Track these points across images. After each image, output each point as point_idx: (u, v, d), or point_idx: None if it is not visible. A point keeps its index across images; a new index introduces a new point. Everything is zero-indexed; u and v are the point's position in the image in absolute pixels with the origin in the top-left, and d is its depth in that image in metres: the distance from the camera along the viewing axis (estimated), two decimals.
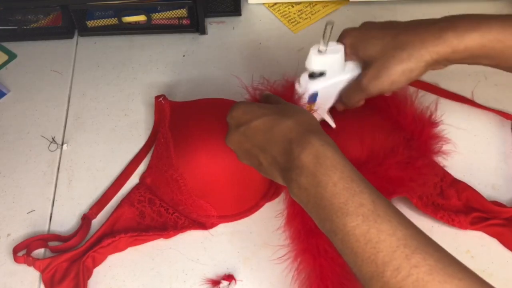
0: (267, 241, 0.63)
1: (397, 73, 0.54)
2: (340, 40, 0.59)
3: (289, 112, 0.51)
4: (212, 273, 0.61)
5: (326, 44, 0.56)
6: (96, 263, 0.61)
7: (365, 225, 0.43)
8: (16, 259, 0.60)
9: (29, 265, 0.60)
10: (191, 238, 0.63)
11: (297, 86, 0.60)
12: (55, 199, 0.67)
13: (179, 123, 0.66)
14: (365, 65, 0.57)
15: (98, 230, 0.62)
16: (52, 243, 0.63)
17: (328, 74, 0.59)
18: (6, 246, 0.63)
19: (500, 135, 0.70)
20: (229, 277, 0.60)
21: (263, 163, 0.51)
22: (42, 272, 0.60)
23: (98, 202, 0.65)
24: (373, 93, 0.57)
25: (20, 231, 0.64)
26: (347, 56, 0.58)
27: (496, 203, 0.63)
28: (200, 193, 0.62)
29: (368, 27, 0.58)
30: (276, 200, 0.65)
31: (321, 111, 0.62)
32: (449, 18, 0.54)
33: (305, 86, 0.59)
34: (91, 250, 0.60)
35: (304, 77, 0.59)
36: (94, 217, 0.65)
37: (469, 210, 0.63)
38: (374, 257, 0.42)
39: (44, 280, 0.60)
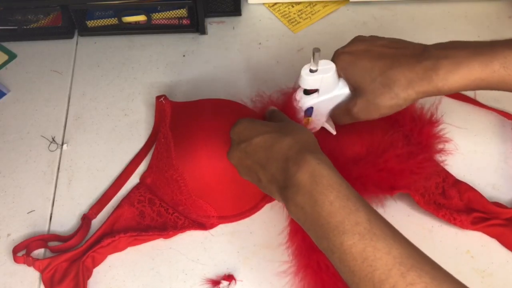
0: (267, 242, 0.63)
1: (386, 108, 0.57)
2: (332, 60, 0.59)
3: (289, 130, 0.52)
4: (212, 273, 0.61)
5: (317, 66, 0.57)
6: (96, 263, 0.61)
7: (362, 244, 0.43)
8: (16, 259, 0.60)
9: (28, 265, 0.60)
10: (191, 238, 0.63)
11: (294, 101, 0.61)
12: (55, 199, 0.67)
13: (180, 123, 0.66)
14: (354, 90, 0.58)
15: (97, 230, 0.62)
16: (51, 243, 0.63)
17: (321, 90, 0.60)
18: (6, 246, 0.63)
19: (501, 135, 0.70)
20: (229, 277, 0.60)
21: (262, 180, 0.52)
22: (41, 272, 0.60)
23: (98, 202, 0.65)
24: (362, 120, 0.59)
25: (20, 231, 0.64)
26: (339, 75, 0.60)
27: (497, 204, 0.63)
28: (200, 193, 0.62)
29: (358, 51, 0.58)
30: (276, 201, 0.65)
31: (320, 122, 0.63)
32: (433, 54, 0.55)
33: (301, 102, 0.61)
34: (90, 250, 0.60)
35: (299, 93, 0.61)
36: (94, 217, 0.65)
37: (470, 211, 0.63)
38: (370, 275, 0.42)
39: (44, 280, 0.60)
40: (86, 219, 0.64)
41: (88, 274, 0.60)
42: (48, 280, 0.59)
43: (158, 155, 0.66)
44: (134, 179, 0.68)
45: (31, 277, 0.61)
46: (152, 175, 0.66)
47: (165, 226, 0.63)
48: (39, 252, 0.62)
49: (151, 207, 0.64)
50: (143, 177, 0.67)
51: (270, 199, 0.65)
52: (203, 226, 0.63)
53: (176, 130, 0.65)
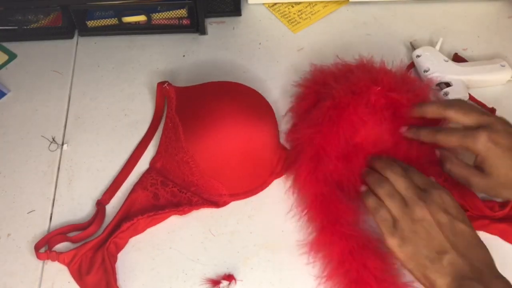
0: (267, 242, 0.63)
1: (505, 197, 0.60)
2: (478, 141, 0.59)
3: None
4: (212, 273, 0.61)
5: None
6: (119, 248, 0.62)
7: None
8: (39, 256, 0.60)
9: (53, 260, 0.60)
10: (191, 238, 0.63)
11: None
12: (55, 199, 0.67)
13: (186, 106, 0.67)
14: (483, 170, 0.59)
15: (115, 216, 0.63)
16: (71, 234, 0.63)
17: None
18: (6, 246, 0.63)
19: None
20: (229, 277, 0.60)
21: (446, 259, 0.53)
22: (67, 265, 0.60)
23: (110, 187, 0.66)
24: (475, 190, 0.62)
25: (20, 231, 0.64)
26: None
27: (490, 204, 0.63)
28: (211, 173, 0.63)
29: (502, 144, 0.58)
30: (277, 199, 0.66)
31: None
32: None
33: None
34: (112, 237, 0.61)
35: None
36: (107, 203, 0.65)
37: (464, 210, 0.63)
38: None
39: (72, 272, 0.60)
40: (100, 205, 0.65)
41: (114, 259, 0.61)
42: (76, 272, 0.60)
43: (166, 140, 0.67)
44: (143, 166, 0.68)
45: (31, 277, 0.61)
46: (162, 160, 0.67)
47: (180, 204, 0.64)
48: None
49: (164, 188, 0.65)
50: (152, 162, 0.68)
51: (277, 175, 0.67)
52: (216, 204, 0.64)
53: (183, 113, 0.66)
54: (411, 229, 0.54)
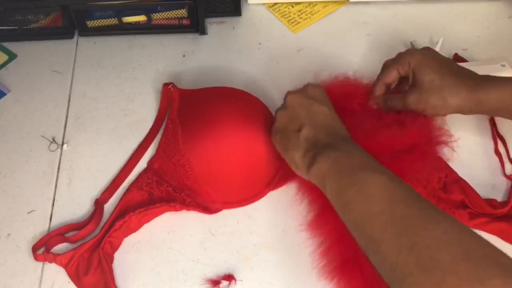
0: (267, 242, 0.63)
1: (432, 106, 0.63)
2: (404, 58, 0.65)
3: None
4: (212, 273, 0.61)
5: None
6: (114, 248, 0.62)
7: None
8: (36, 257, 0.60)
9: (50, 261, 0.60)
10: (191, 238, 0.63)
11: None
12: (55, 199, 0.67)
13: (188, 110, 0.67)
14: (414, 85, 0.64)
15: (110, 216, 0.63)
16: (69, 234, 0.63)
17: None
18: (6, 246, 0.63)
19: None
20: (229, 277, 0.60)
21: (306, 127, 0.57)
22: (65, 267, 0.60)
23: (109, 186, 0.66)
24: (410, 109, 0.65)
25: (20, 231, 0.64)
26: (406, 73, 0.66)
27: (491, 202, 0.63)
28: (206, 178, 0.63)
29: (430, 59, 0.65)
30: (277, 200, 0.66)
31: None
32: (486, 75, 0.63)
33: None
34: (106, 236, 0.61)
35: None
36: (106, 202, 0.65)
37: (465, 208, 0.63)
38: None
39: (69, 274, 0.60)
40: (98, 203, 0.65)
41: (110, 259, 0.61)
42: (74, 273, 0.60)
43: (165, 141, 0.68)
44: (143, 166, 0.68)
45: (31, 277, 0.61)
46: (159, 160, 0.67)
47: (173, 201, 0.64)
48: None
49: (159, 187, 0.65)
50: (150, 162, 0.68)
51: (275, 186, 0.66)
52: (208, 210, 0.64)
53: (184, 116, 0.66)
54: (281, 117, 0.61)
